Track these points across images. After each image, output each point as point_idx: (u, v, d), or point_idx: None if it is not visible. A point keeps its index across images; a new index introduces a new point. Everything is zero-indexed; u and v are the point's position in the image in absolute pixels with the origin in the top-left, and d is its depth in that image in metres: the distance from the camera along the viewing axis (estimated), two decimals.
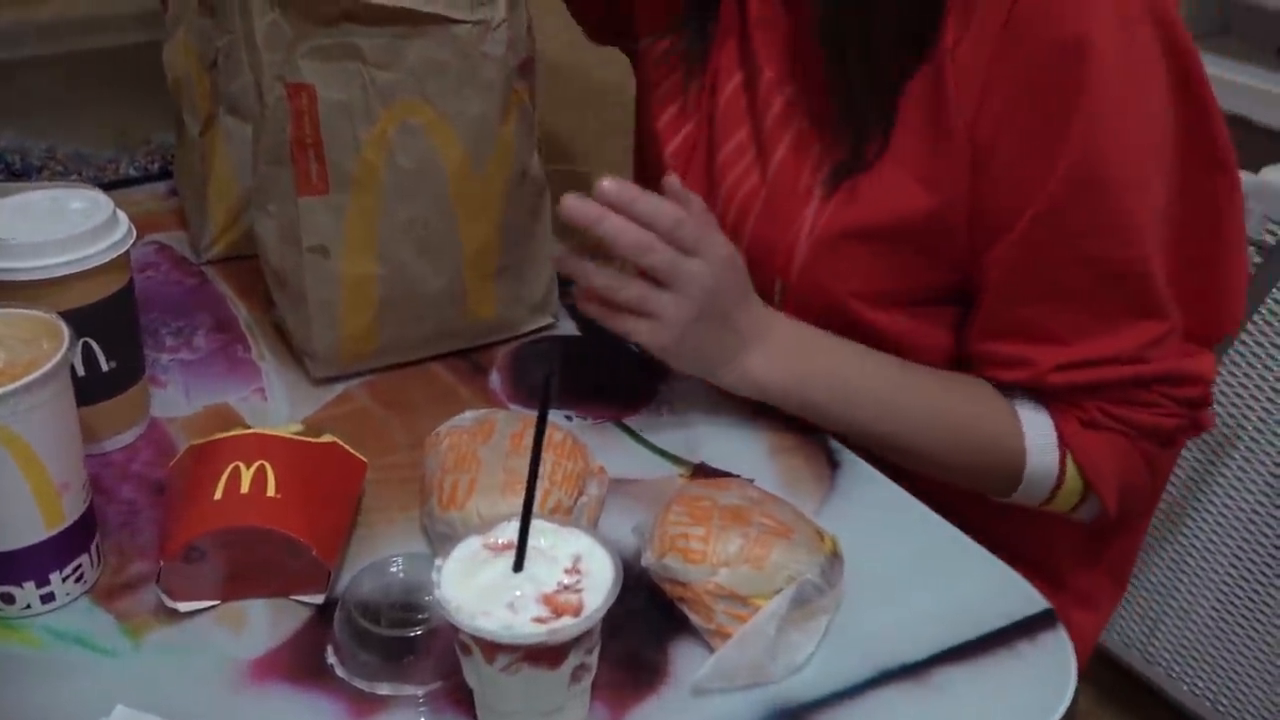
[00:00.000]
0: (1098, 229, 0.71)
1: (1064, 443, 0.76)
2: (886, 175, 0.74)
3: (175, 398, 0.79)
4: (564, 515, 0.64)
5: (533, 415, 0.54)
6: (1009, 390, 0.77)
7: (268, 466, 0.62)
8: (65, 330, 0.59)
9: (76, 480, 0.61)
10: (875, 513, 0.71)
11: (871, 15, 0.72)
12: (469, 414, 0.71)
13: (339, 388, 0.81)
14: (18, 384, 0.55)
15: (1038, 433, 0.76)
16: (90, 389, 0.70)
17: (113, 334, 0.70)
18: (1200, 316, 0.75)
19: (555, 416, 0.77)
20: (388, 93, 0.75)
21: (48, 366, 0.57)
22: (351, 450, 0.68)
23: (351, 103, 0.74)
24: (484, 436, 0.67)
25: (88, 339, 0.68)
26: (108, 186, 1.05)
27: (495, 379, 0.83)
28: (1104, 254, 0.71)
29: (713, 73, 0.85)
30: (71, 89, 1.09)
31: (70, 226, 0.67)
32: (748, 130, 0.82)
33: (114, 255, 0.68)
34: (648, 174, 0.90)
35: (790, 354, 0.74)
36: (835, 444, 0.76)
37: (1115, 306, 0.73)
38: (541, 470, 0.54)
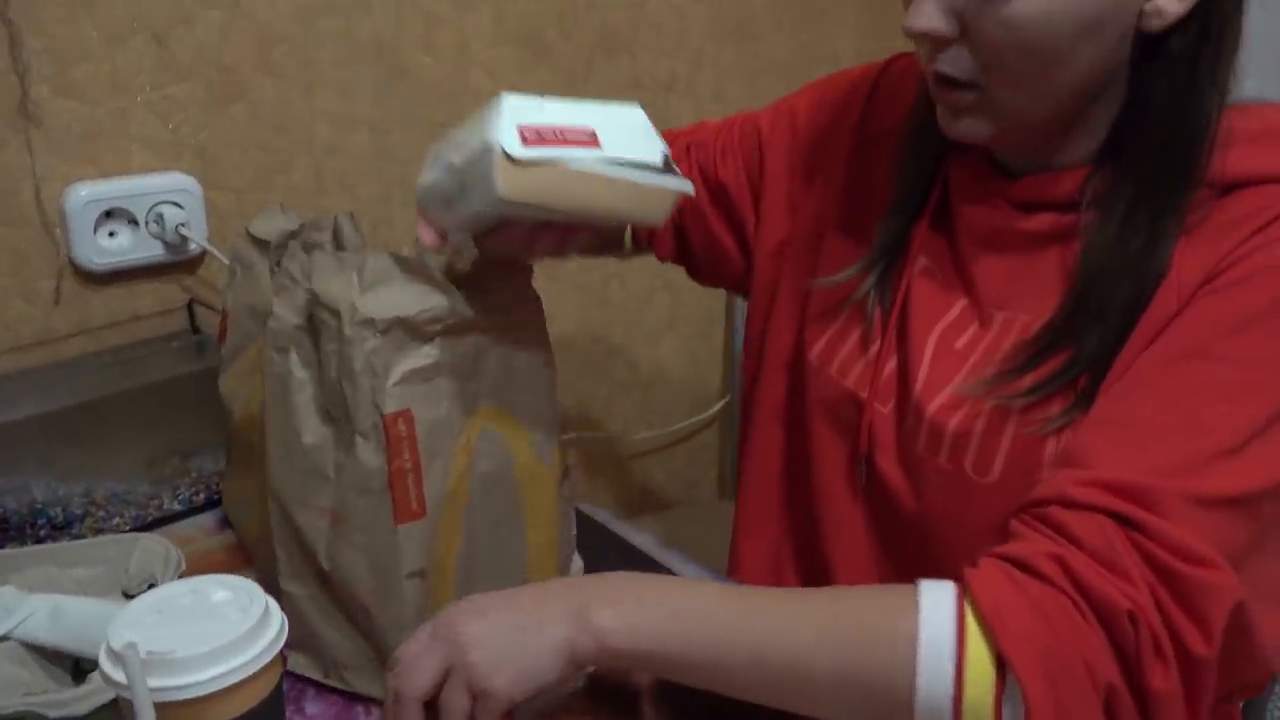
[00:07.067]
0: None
1: (961, 588, 0.63)
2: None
3: None
4: None
5: None
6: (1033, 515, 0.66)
7: None
8: None
9: None
10: None
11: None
12: None
13: None
14: None
15: (936, 598, 0.63)
16: None
17: None
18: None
19: None
20: (471, 402, 0.75)
21: None
22: None
23: (447, 419, 0.73)
24: None
25: None
26: (150, 525, 0.99)
27: None
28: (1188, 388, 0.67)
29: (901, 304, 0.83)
30: (95, 427, 1.04)
31: (226, 626, 0.61)
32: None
33: (274, 654, 0.62)
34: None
35: (630, 596, 0.66)
36: None
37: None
38: None
